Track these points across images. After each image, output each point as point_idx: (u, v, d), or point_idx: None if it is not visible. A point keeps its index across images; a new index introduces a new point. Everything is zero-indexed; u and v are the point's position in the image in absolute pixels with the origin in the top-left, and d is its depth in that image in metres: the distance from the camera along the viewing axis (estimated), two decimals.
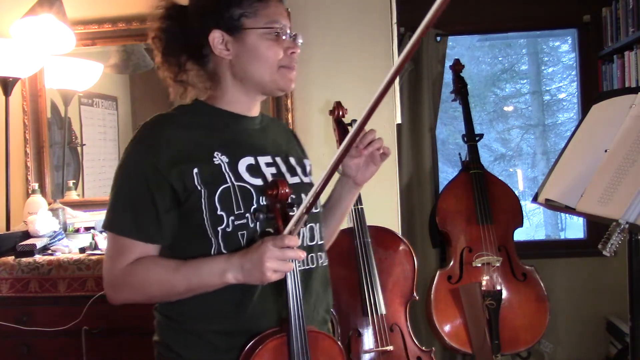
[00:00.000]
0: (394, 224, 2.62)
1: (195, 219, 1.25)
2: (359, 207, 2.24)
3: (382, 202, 2.60)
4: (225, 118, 1.35)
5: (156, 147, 1.25)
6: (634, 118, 1.58)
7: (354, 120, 1.94)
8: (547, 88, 5.13)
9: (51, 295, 2.22)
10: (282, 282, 1.20)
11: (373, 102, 1.04)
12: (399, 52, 3.19)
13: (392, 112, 2.65)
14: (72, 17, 2.66)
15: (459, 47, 4.63)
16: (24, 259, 2.25)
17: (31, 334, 2.20)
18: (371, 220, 2.26)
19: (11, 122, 2.65)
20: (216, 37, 1.30)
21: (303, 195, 1.35)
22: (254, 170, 1.31)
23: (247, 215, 1.26)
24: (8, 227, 2.59)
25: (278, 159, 1.38)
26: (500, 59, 5.26)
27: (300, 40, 1.36)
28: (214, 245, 1.26)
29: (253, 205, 1.26)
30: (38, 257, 2.27)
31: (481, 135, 3.13)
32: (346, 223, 2.26)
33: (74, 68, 2.66)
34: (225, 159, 1.28)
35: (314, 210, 1.36)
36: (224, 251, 1.25)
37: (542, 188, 1.83)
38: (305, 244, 1.34)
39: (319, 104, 2.68)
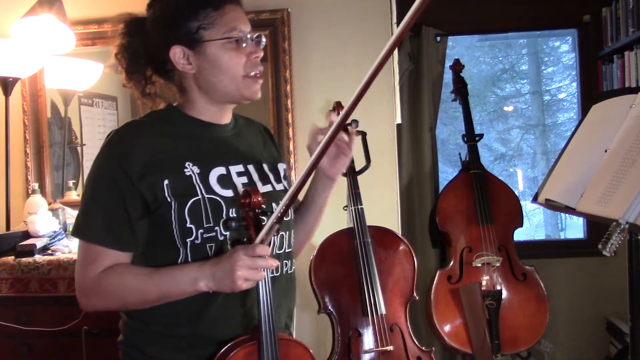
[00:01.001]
0: (394, 224, 2.62)
1: (164, 230, 1.25)
2: (359, 207, 2.24)
3: (382, 202, 2.60)
4: (197, 127, 1.35)
5: (127, 155, 1.24)
6: (634, 118, 1.58)
7: (355, 121, 1.95)
8: (547, 88, 5.14)
9: (51, 295, 2.22)
10: (248, 290, 1.20)
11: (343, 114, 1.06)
12: (399, 52, 3.19)
13: (392, 112, 2.65)
14: (72, 17, 2.66)
15: (459, 47, 4.63)
16: (24, 259, 2.25)
17: (31, 334, 2.20)
18: (371, 220, 2.26)
19: (11, 122, 2.65)
20: (177, 53, 1.30)
21: (274, 205, 1.34)
22: (225, 180, 1.31)
23: (217, 228, 1.26)
24: (8, 227, 2.59)
25: (250, 167, 1.38)
26: (500, 59, 5.27)
27: (263, 41, 1.35)
28: (181, 255, 1.26)
29: (222, 217, 1.26)
30: (38, 257, 2.27)
31: (481, 135, 3.13)
32: (346, 223, 2.27)
33: (74, 68, 2.65)
34: (196, 169, 1.28)
35: (285, 219, 1.34)
36: (190, 261, 1.26)
37: (542, 188, 1.83)
38: (274, 252, 1.34)
39: (319, 104, 2.67)
